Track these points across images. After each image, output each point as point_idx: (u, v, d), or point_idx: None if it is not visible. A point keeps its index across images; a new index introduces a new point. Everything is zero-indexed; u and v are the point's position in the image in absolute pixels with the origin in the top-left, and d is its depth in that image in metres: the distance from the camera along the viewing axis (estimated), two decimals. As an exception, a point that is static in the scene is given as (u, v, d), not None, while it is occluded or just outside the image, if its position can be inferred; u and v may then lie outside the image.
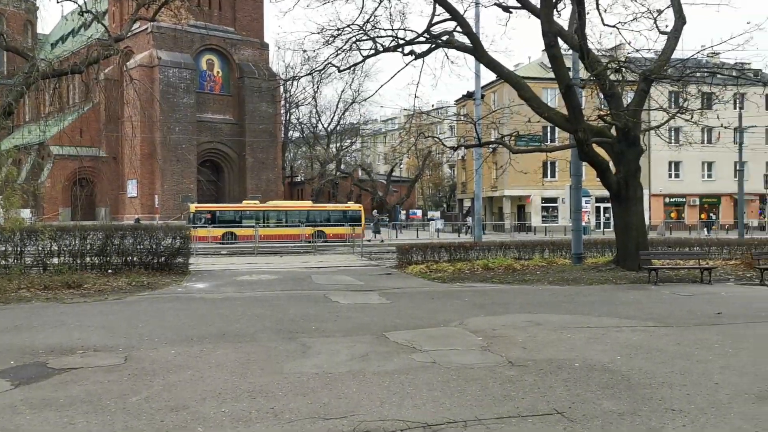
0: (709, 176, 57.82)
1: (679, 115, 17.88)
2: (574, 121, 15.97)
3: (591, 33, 16.96)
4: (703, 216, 56.72)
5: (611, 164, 17.86)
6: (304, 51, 63.93)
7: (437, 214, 63.29)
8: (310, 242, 34.74)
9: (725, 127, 20.78)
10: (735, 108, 40.23)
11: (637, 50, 17.19)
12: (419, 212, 69.20)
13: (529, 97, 18.00)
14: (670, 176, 57.01)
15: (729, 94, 20.18)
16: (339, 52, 19.46)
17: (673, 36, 16.99)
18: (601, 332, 9.43)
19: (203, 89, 62.96)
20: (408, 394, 6.31)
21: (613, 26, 17.35)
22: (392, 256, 23.93)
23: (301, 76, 27.92)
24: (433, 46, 19.41)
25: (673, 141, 26.57)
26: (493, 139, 19.12)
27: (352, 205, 42.40)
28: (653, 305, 12.27)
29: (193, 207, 37.65)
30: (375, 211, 41.64)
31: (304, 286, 15.90)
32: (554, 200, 56.27)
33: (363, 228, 37.84)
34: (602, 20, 17.37)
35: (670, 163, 55.93)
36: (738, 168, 39.60)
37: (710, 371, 7.05)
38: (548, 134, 47.08)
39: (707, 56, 19.23)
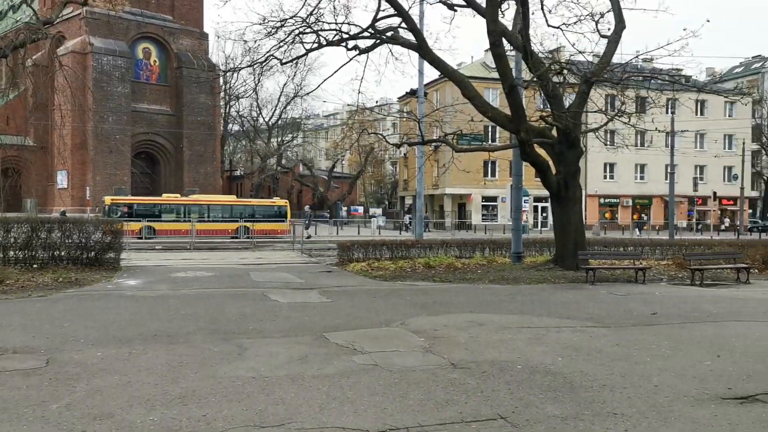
0: (642, 178, 59.74)
1: (617, 117, 18.25)
2: (516, 121, 16.06)
3: (534, 34, 17.10)
4: (635, 216, 58.59)
5: (551, 165, 18.08)
6: (245, 42, 62.43)
7: (379, 211, 63.34)
8: (235, 238, 33.97)
9: (659, 131, 21.38)
10: (668, 113, 41.69)
11: (580, 52, 17.46)
12: (361, 209, 69.04)
13: (472, 95, 18.00)
14: (605, 177, 58.63)
15: (664, 99, 20.75)
16: (281, 44, 19.06)
17: (614, 40, 17.29)
18: (542, 333, 9.42)
19: (139, 78, 60.92)
20: (348, 399, 6.08)
21: (557, 27, 17.56)
22: (333, 254, 23.66)
23: (242, 68, 27.30)
24: (378, 41, 19.21)
25: (608, 143, 27.18)
26: (436, 138, 19.02)
27: (278, 201, 41.61)
28: (591, 305, 12.41)
29: (108, 199, 35.73)
30: (308, 206, 40.94)
31: (241, 284, 15.46)
32: (494, 199, 57.06)
33: (289, 223, 36.63)
34: (546, 21, 17.62)
35: (605, 165, 57.50)
36: (669, 171, 40.96)
37: (649, 373, 7.09)
38: (489, 134, 47.71)
39: (643, 61, 19.67)
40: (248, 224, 36.12)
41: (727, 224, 57.81)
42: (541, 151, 18.27)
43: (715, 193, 49.18)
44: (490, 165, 55.23)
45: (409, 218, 59.89)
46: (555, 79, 17.06)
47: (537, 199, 53.76)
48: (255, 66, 20.92)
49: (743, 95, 39.59)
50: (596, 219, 57.61)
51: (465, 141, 39.71)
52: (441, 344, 8.58)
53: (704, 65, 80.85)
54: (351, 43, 19.20)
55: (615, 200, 59.34)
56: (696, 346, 8.45)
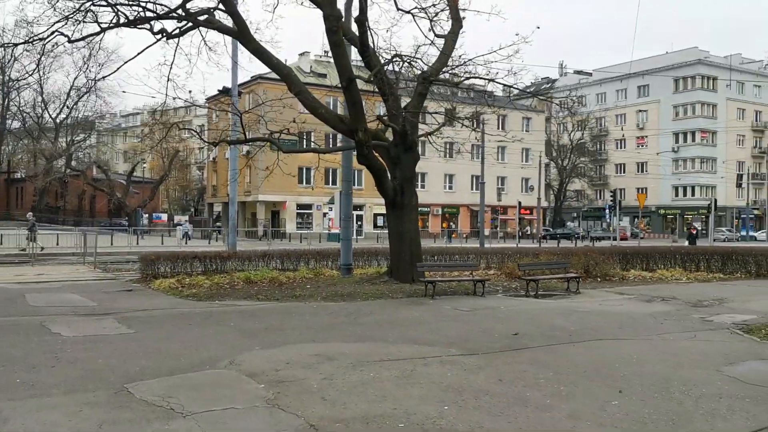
0: (450, 188, 61.77)
1: (448, 125, 17.42)
2: (354, 120, 14.43)
3: (377, 21, 15.66)
4: (444, 225, 60.33)
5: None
6: (27, 22, 54.92)
7: (185, 218, 58.92)
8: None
9: (464, 146, 21.11)
10: (476, 125, 42.97)
11: (438, 35, 16.25)
12: (164, 216, 63.92)
13: (300, 91, 16.08)
14: (417, 187, 59.71)
15: (470, 111, 20.48)
16: (70, 17, 15.74)
17: (451, 39, 16.41)
18: (408, 367, 7.78)
19: None
20: None
21: (408, 12, 16.16)
22: (134, 267, 20.41)
23: (20, 44, 22.71)
24: (190, 25, 16.62)
25: (422, 154, 26.78)
26: (261, 136, 16.86)
27: None
28: (444, 326, 11.08)
29: None
30: (30, 213, 35.80)
31: (12, 311, 12.14)
32: (309, 207, 55.57)
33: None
34: (396, 4, 16.05)
35: (416, 174, 58.54)
36: (480, 181, 42.22)
37: (562, 425, 5.69)
38: (303, 137, 46.00)
39: (477, 64, 19.12)
40: None
41: (527, 232, 61.65)
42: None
43: (520, 203, 52.03)
44: (305, 172, 53.65)
45: (218, 226, 56.42)
46: (393, 76, 15.75)
47: (355, 207, 53.12)
48: (35, 42, 17.13)
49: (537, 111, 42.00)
50: (408, 227, 58.41)
51: (284, 144, 37.54)
52: (289, 393, 6.57)
53: (540, 74, 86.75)
54: (158, 26, 16.46)
55: (426, 209, 60.61)
56: (587, 379, 7.29)
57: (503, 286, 17.30)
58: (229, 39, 20.86)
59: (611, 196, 46.28)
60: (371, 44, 15.28)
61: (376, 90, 17.04)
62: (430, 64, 16.32)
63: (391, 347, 9.06)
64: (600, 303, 14.30)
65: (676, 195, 76.44)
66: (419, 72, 16.64)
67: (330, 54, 17.80)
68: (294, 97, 16.38)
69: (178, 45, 16.97)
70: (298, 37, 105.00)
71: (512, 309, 13.26)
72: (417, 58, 16.45)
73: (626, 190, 74.16)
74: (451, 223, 61.85)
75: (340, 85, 22.66)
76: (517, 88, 16.76)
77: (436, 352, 8.69)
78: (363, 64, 16.49)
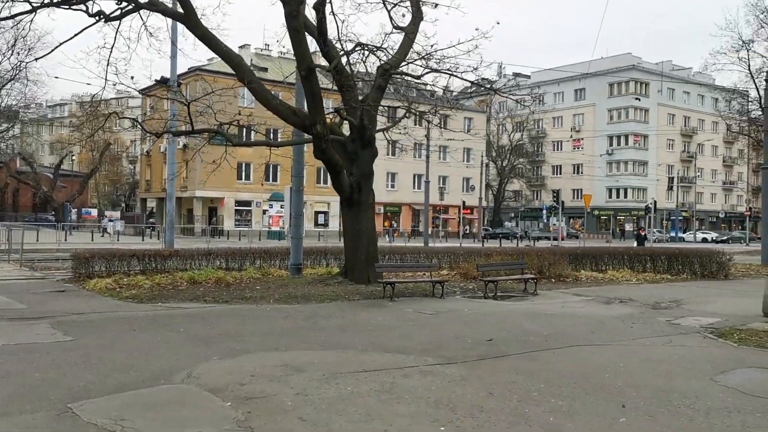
0: (393, 186, 61.37)
1: (409, 115, 16.83)
2: (313, 112, 13.61)
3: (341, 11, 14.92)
4: (386, 224, 59.85)
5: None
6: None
7: (116, 214, 56.45)
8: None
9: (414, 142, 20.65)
10: (418, 125, 42.68)
11: (384, 42, 15.65)
12: (94, 211, 61.09)
13: (252, 80, 15.18)
14: (360, 184, 59.06)
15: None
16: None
17: (411, 31, 15.82)
18: (387, 379, 7.13)
19: None
20: None
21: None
22: (65, 266, 19.03)
23: None
24: (132, 6, 15.46)
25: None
26: (210, 127, 15.83)
27: None
28: (411, 330, 10.48)
29: None
30: None
31: (-72, 316, 10.83)
32: (248, 203, 54.17)
33: None
34: (335, 19, 15.31)
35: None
36: (425, 180, 41.93)
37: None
38: (243, 131, 44.61)
39: (435, 59, 18.58)
40: None
41: (466, 231, 61.85)
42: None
43: (464, 202, 52.01)
44: (244, 167, 52.25)
45: (151, 223, 54.24)
46: (350, 68, 15.01)
47: (292, 205, 52.03)
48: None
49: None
50: (350, 226, 57.71)
51: (217, 141, 36.16)
52: (261, 413, 5.82)
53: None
54: (95, 7, 15.24)
55: (367, 207, 60.07)
56: (583, 392, 6.79)
57: (460, 287, 16.85)
58: (171, 24, 19.75)
59: (554, 196, 46.80)
60: (338, 34, 14.52)
61: (329, 85, 16.29)
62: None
63: (362, 356, 8.38)
64: (562, 305, 14.00)
65: (610, 197, 78.50)
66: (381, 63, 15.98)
67: (270, 47, 16.96)
68: (244, 87, 15.49)
69: (119, 28, 15.82)
70: (242, 29, 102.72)
71: (476, 312, 12.77)
72: (382, 48, 15.77)
73: (562, 191, 75.55)
74: (393, 222, 61.49)
75: (283, 80, 21.86)
76: (480, 84, 16.28)
77: (411, 362, 8.06)
78: (321, 54, 15.70)
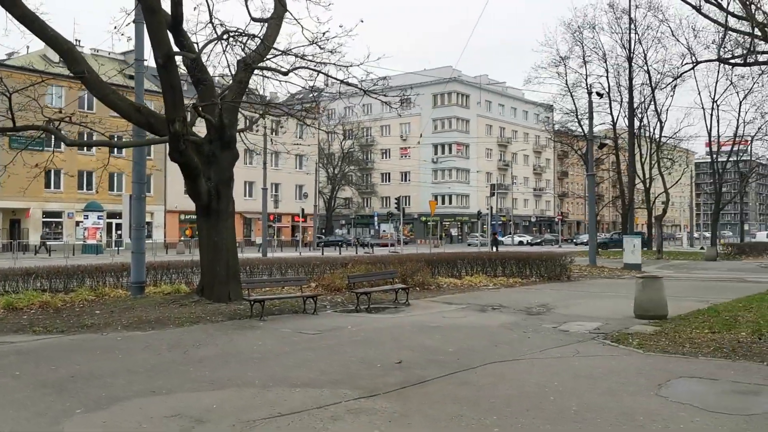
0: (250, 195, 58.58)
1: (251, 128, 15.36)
2: (173, 108, 11.69)
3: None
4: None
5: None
6: None
7: None
8: None
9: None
10: (272, 132, 40.98)
11: (248, 33, 13.96)
12: None
13: (84, 70, 12.89)
14: (185, 192, 55.54)
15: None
16: None
17: (275, 24, 14.41)
18: (316, 424, 5.83)
19: None
20: None
21: None
22: None
23: None
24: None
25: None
26: (35, 124, 13.22)
27: None
28: (305, 355, 9.16)
29: None
30: None
31: None
32: (59, 215, 48.69)
33: None
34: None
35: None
36: (263, 187, 40.18)
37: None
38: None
39: (298, 56, 17.21)
40: None
41: (299, 240, 60.57)
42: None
43: (303, 209, 50.61)
44: (53, 175, 46.83)
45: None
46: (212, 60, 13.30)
47: (111, 215, 47.59)
48: None
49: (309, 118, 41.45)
50: (177, 237, 54.10)
51: (17, 143, 31.65)
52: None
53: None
54: None
55: (195, 216, 56.69)
56: (544, 422, 5.96)
57: (329, 300, 15.68)
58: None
59: (396, 203, 47.14)
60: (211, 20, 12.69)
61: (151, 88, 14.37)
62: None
63: (267, 394, 6.96)
64: (442, 316, 13.38)
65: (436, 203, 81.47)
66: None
67: (83, 44, 14.69)
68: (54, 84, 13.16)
69: None
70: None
71: (361, 328, 11.71)
72: (256, 36, 14.13)
73: (391, 198, 77.09)
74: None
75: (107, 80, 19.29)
76: (348, 83, 15.25)
77: (329, 397, 6.81)
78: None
